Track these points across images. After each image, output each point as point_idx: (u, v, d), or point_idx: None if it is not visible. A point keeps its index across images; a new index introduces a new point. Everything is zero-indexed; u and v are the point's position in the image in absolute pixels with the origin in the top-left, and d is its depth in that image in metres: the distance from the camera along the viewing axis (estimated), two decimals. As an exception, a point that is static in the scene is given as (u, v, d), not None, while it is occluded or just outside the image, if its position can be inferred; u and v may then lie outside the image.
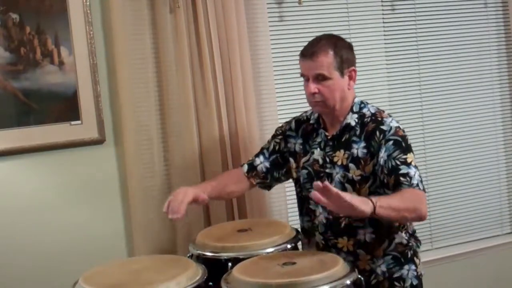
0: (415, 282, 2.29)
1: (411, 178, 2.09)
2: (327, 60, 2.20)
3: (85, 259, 2.46)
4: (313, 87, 2.21)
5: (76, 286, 1.92)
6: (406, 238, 2.30)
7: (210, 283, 1.98)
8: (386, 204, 1.97)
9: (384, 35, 3.25)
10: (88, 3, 2.59)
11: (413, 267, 2.30)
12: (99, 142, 2.66)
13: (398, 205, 2.02)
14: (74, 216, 2.63)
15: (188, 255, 2.22)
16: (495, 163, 3.53)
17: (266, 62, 2.85)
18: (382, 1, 3.23)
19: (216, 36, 2.72)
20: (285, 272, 1.86)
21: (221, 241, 2.19)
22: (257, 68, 2.83)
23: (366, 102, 2.33)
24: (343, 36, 3.11)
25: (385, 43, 3.25)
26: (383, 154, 2.15)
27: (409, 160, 2.13)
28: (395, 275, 2.27)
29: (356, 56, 2.92)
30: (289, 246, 2.17)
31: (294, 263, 1.91)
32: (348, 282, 1.83)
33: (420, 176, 2.12)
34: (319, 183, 1.85)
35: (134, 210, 2.67)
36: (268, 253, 2.10)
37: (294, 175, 2.41)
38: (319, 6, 3.09)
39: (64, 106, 2.60)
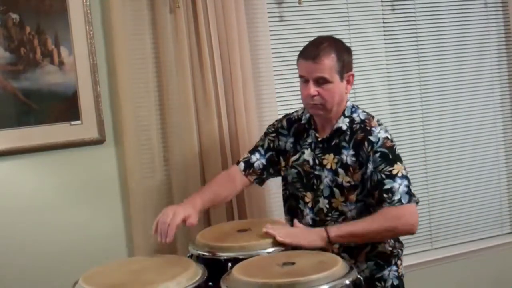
0: (396, 282, 2.30)
1: (393, 193, 2.10)
2: (330, 63, 2.18)
3: (85, 259, 2.46)
4: (313, 89, 2.20)
5: (76, 286, 1.92)
6: (390, 248, 2.30)
7: (210, 283, 1.97)
8: (346, 233, 2.09)
9: (384, 35, 3.25)
10: (88, 3, 2.60)
11: (394, 267, 2.31)
12: (99, 142, 2.66)
13: (365, 229, 2.09)
14: (74, 216, 2.63)
15: (188, 255, 2.22)
16: (495, 163, 3.53)
17: (266, 62, 2.85)
18: (382, 1, 3.23)
19: (216, 36, 2.72)
20: (285, 272, 1.85)
21: (221, 241, 2.18)
22: (257, 68, 2.83)
23: (357, 106, 2.33)
24: (343, 37, 3.14)
25: (385, 43, 3.25)
26: (370, 167, 2.17)
27: (395, 172, 2.13)
28: (377, 276, 2.28)
29: (356, 57, 2.91)
30: (289, 246, 2.17)
31: (293, 263, 1.91)
32: (347, 282, 1.83)
33: (407, 187, 2.12)
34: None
35: (134, 210, 2.67)
36: (268, 253, 2.09)
37: (282, 173, 2.42)
38: (319, 6, 3.09)
39: (64, 106, 2.60)
